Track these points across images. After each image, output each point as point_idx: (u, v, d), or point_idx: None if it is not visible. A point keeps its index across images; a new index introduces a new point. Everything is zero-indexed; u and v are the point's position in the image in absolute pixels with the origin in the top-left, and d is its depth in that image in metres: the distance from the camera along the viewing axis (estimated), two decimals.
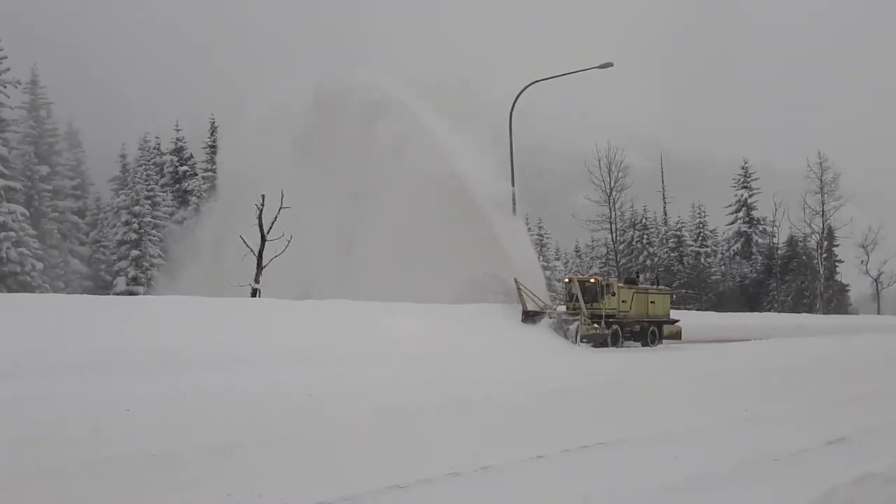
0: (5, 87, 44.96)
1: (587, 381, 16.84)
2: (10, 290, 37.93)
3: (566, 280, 33.15)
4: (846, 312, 70.28)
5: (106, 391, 12.59)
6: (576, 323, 28.68)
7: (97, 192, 57.14)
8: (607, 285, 30.81)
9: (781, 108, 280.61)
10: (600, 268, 64.34)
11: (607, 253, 65.98)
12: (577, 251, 78.21)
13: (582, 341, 28.26)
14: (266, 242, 29.13)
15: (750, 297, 65.95)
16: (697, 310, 57.37)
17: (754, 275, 67.79)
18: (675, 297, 40.99)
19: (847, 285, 74.61)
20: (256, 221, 29.31)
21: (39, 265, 41.59)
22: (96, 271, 51.22)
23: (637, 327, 31.81)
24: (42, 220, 47.01)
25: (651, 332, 32.22)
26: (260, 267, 28.78)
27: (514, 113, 35.05)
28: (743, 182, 69.85)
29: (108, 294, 42.62)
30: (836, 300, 70.50)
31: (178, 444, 8.60)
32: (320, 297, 26.20)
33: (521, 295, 29.68)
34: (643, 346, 31.42)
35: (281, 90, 39.31)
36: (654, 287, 36.00)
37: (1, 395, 11.78)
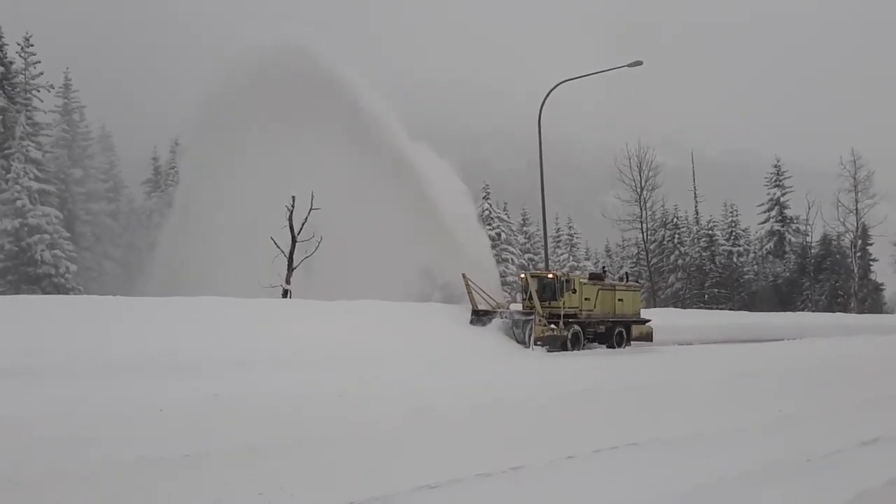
0: (39, 90, 45.52)
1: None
2: (44, 292, 38.36)
3: (521, 276, 30.72)
4: (881, 312, 69.16)
5: (139, 392, 12.74)
6: (530, 323, 26.21)
7: (130, 195, 57.52)
8: (567, 281, 28.29)
9: (814, 106, 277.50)
10: (631, 268, 63.81)
11: (638, 252, 65.52)
12: (607, 251, 77.61)
13: (537, 344, 25.83)
14: (296, 243, 29.31)
15: (783, 297, 65.15)
16: (730, 309, 56.96)
17: (787, 274, 66.94)
18: (644, 294, 38.87)
19: (882, 284, 73.30)
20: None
21: (73, 267, 41.95)
22: (129, 273, 51.66)
23: (602, 328, 29.38)
24: (76, 223, 47.43)
25: (618, 333, 29.61)
26: (291, 268, 28.96)
27: (542, 112, 34.69)
28: (775, 181, 68.93)
29: (142, 296, 42.87)
30: (870, 299, 69.40)
31: (209, 444, 8.70)
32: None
33: (469, 293, 27.58)
34: (608, 348, 29.07)
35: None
36: (623, 283, 33.06)
37: (39, 396, 11.99)
